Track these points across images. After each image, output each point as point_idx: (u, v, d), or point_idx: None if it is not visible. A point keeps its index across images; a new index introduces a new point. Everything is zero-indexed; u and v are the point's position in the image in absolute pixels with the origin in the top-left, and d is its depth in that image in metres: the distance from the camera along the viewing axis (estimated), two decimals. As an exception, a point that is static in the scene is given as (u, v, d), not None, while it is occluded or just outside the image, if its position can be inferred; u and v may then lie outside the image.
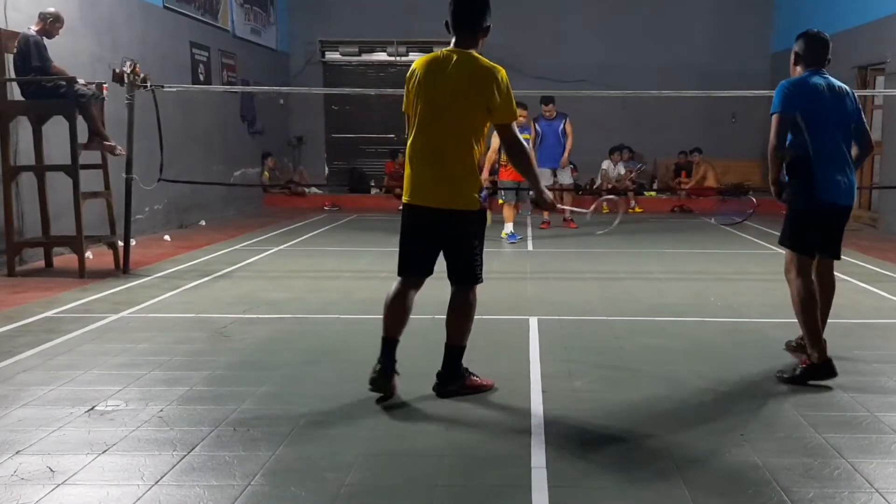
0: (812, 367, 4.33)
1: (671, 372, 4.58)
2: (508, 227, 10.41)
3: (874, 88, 12.20)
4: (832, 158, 4.39)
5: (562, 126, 11.59)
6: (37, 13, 7.70)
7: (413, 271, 4.04)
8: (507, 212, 10.43)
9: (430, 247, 4.01)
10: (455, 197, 3.86)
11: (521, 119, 10.37)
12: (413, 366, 4.38)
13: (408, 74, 3.98)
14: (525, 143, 4.06)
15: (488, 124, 3.93)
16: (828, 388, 4.25)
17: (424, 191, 3.90)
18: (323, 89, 15.74)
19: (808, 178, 4.37)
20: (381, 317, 4.05)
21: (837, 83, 4.49)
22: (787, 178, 4.48)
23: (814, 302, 4.37)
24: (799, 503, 2.95)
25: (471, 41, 3.89)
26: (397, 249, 4.08)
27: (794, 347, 4.87)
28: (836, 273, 4.73)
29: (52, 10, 7.67)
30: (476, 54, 3.88)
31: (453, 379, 4.11)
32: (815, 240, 4.48)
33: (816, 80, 4.44)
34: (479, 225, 4.02)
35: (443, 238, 3.96)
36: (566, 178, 11.72)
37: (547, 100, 11.57)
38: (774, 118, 4.40)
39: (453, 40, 3.92)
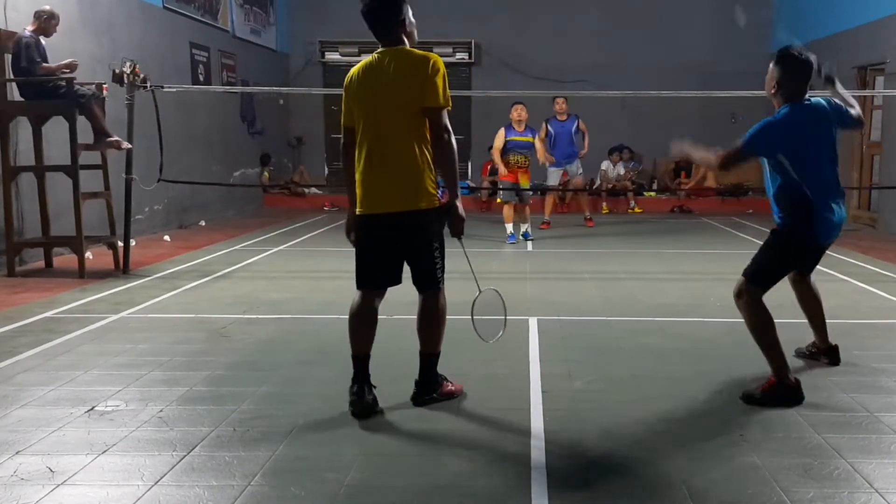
0: (778, 388, 4.03)
1: (671, 372, 4.58)
2: (508, 228, 10.40)
3: (874, 88, 12.19)
4: (826, 192, 4.11)
5: (575, 126, 11.45)
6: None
7: (377, 283, 3.88)
8: (507, 212, 10.42)
9: (394, 256, 3.85)
10: (414, 196, 3.70)
11: (522, 116, 10.30)
12: (412, 366, 4.38)
13: (345, 84, 3.83)
14: (453, 141, 3.75)
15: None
16: (827, 388, 4.26)
17: (382, 197, 3.72)
18: (322, 90, 15.73)
19: (809, 218, 4.08)
20: (350, 331, 3.87)
21: (817, 104, 4.20)
22: (780, 214, 4.19)
23: (771, 322, 4.11)
24: (799, 503, 2.95)
25: (392, 38, 3.74)
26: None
27: (806, 355, 4.80)
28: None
29: (46, 7, 7.64)
30: (407, 49, 3.74)
31: (431, 386, 4.01)
32: (785, 274, 4.34)
33: (799, 116, 4.10)
34: (440, 224, 3.81)
35: (405, 243, 3.81)
36: (574, 173, 11.66)
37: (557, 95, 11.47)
38: (739, 147, 4.10)
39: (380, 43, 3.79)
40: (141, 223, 10.22)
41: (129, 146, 7.81)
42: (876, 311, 6.22)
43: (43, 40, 7.61)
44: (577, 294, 6.95)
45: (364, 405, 3.81)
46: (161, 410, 3.90)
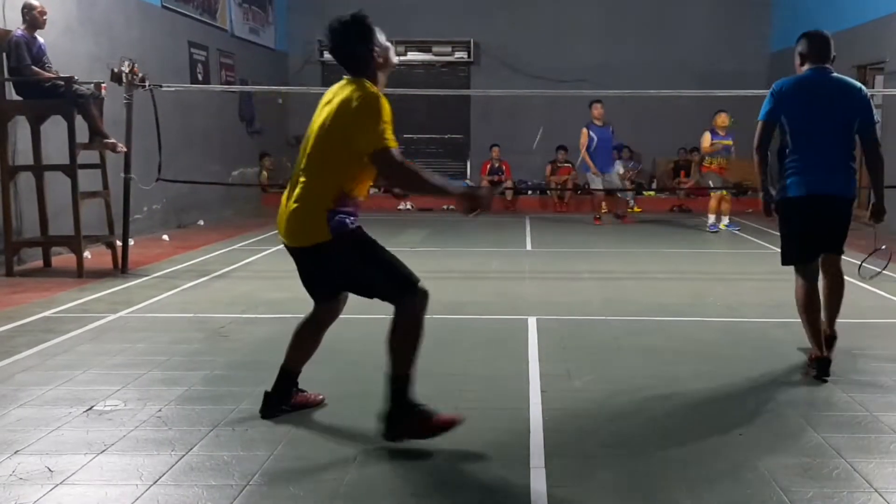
0: (811, 361, 4.48)
1: (670, 372, 4.58)
2: (711, 219, 11.43)
3: (873, 88, 12.18)
4: (808, 152, 4.35)
5: (611, 131, 12.65)
6: (34, 13, 7.66)
7: (315, 298, 3.75)
8: (712, 203, 11.45)
9: (311, 279, 3.66)
10: (298, 233, 3.45)
11: (725, 122, 11.09)
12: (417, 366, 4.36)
13: None
14: (409, 168, 3.34)
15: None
16: (827, 388, 4.26)
17: (280, 226, 3.57)
18: (321, 89, 15.47)
19: (781, 173, 4.42)
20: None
21: (844, 80, 4.46)
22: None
23: (809, 301, 4.43)
24: (798, 503, 2.95)
25: (356, 69, 3.50)
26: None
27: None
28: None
29: (27, 0, 7.55)
30: (352, 80, 3.47)
31: (401, 416, 3.41)
32: (803, 242, 4.46)
33: (810, 76, 4.43)
34: (352, 250, 3.43)
35: (319, 274, 3.57)
36: (615, 180, 12.97)
37: (596, 101, 12.31)
38: (759, 124, 4.50)
39: None
40: (139, 223, 10.20)
41: (125, 149, 7.79)
42: (876, 310, 6.22)
43: (40, 37, 7.58)
44: (577, 294, 6.95)
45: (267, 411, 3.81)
46: (160, 410, 3.89)
